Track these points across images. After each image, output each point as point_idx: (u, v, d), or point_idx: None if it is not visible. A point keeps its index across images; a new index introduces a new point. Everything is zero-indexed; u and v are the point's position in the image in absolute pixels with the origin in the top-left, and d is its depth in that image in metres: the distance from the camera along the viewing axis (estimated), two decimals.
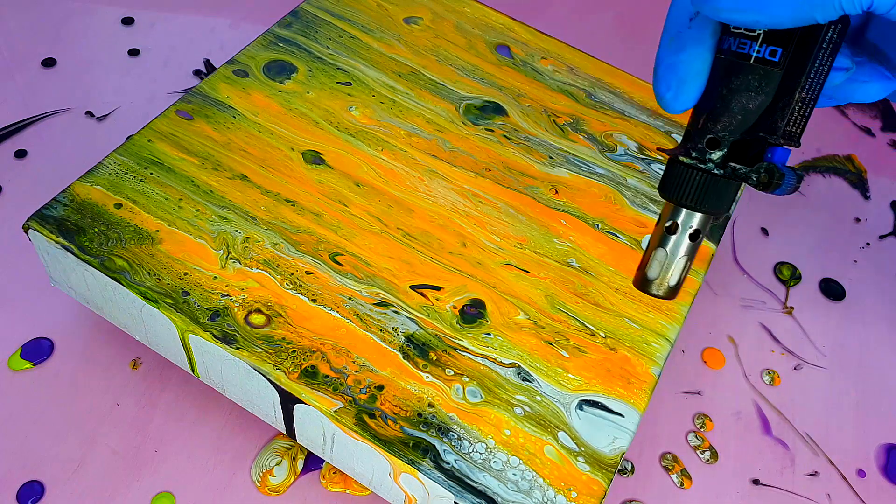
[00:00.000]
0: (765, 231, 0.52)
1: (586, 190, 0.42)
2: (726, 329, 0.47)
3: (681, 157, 0.29)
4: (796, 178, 0.30)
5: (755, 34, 0.28)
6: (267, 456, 0.40)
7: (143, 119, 0.51)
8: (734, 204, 0.31)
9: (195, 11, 0.60)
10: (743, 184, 0.30)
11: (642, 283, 0.32)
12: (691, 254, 0.31)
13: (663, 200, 0.36)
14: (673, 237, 0.31)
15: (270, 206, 0.39)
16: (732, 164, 0.29)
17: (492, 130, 0.44)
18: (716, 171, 0.29)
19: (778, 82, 0.28)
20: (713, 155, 0.29)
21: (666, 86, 0.29)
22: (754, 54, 0.28)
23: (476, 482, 0.32)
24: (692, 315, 0.47)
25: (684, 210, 0.30)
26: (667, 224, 0.31)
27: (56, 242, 0.36)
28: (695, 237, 0.31)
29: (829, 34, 0.27)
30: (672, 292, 0.32)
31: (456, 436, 0.33)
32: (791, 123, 0.28)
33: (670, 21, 0.30)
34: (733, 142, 0.29)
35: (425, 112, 0.44)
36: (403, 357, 0.35)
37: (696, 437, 0.43)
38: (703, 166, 0.29)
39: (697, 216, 0.30)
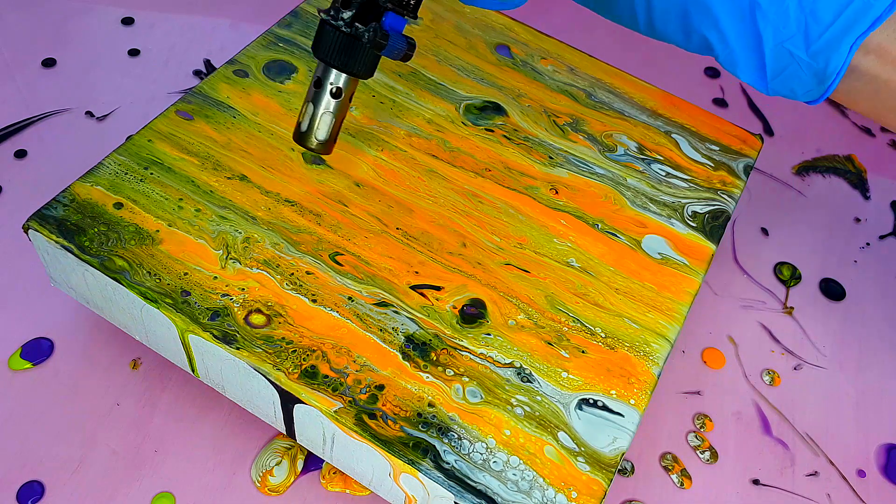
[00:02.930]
0: (765, 231, 0.52)
1: (586, 190, 0.42)
2: (726, 329, 0.47)
3: (321, 14, 0.34)
4: (406, 43, 0.35)
5: None
6: (267, 456, 0.40)
7: (143, 119, 0.51)
8: (372, 70, 0.36)
9: (195, 11, 0.60)
10: (381, 55, 0.35)
11: (297, 136, 0.36)
12: (337, 111, 0.36)
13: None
14: (319, 93, 0.35)
15: (270, 206, 0.39)
16: (356, 24, 0.33)
17: (492, 130, 0.44)
18: (344, 29, 0.33)
19: None
20: (344, 14, 0.33)
21: None
22: None
23: (476, 482, 0.32)
24: (692, 315, 0.47)
25: (329, 69, 0.35)
26: (314, 81, 0.36)
27: (56, 242, 0.36)
28: (337, 95, 0.35)
29: None
30: (323, 147, 0.36)
31: (456, 436, 0.33)
32: None
33: None
34: (361, 3, 0.33)
35: (425, 112, 0.44)
36: (403, 357, 0.35)
37: (696, 437, 0.43)
38: (334, 23, 0.34)
39: (339, 75, 0.35)
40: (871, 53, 0.36)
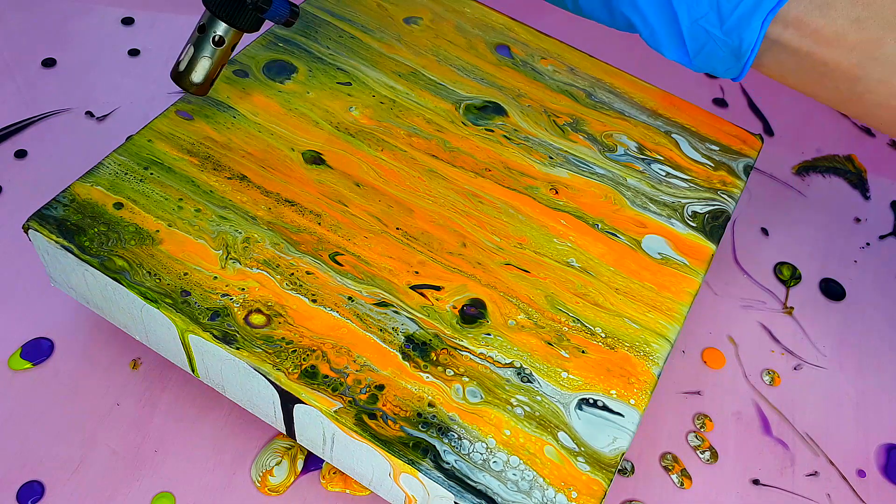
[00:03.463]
0: (765, 231, 0.52)
1: (586, 190, 0.42)
2: (726, 329, 0.47)
3: None
4: (290, 10, 0.38)
5: None
6: (267, 456, 0.40)
7: (143, 119, 0.51)
8: (251, 25, 0.38)
9: (195, 11, 0.60)
10: (264, 17, 0.38)
11: (174, 75, 0.38)
12: (216, 57, 0.38)
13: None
14: (202, 38, 0.38)
15: (270, 206, 0.39)
16: None
17: (492, 130, 0.44)
18: None
19: None
20: None
21: None
22: None
23: (476, 482, 0.32)
24: (692, 315, 0.47)
25: (215, 18, 0.37)
26: (198, 26, 0.38)
27: (56, 242, 0.36)
28: (219, 43, 0.38)
29: None
30: (199, 88, 0.39)
31: (456, 436, 0.33)
32: None
33: None
34: None
35: (425, 112, 0.44)
36: (403, 357, 0.35)
37: (696, 437, 0.43)
38: None
39: (220, 23, 0.37)
40: (790, 27, 0.36)
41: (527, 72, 0.47)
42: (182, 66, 0.38)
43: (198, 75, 0.38)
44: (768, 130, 0.58)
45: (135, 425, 0.40)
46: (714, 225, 0.42)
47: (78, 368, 0.42)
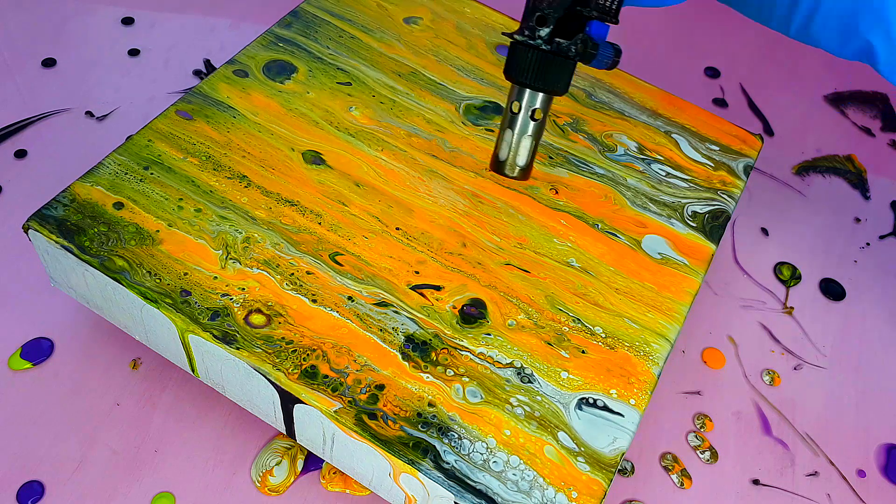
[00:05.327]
0: (765, 231, 0.52)
1: (586, 190, 0.42)
2: (726, 329, 0.47)
3: (515, 36, 0.32)
4: (613, 51, 0.34)
5: None
6: (267, 456, 0.40)
7: (143, 119, 0.52)
8: (568, 84, 0.34)
9: (195, 11, 0.60)
10: (576, 65, 0.33)
11: (495, 165, 0.35)
12: (536, 134, 0.34)
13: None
14: (517, 118, 0.34)
15: (271, 206, 0.39)
16: (557, 39, 0.32)
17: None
18: (544, 47, 0.32)
19: None
20: (542, 32, 0.32)
21: None
22: None
23: (476, 482, 0.32)
24: (692, 315, 0.47)
25: (525, 91, 0.33)
26: (510, 106, 0.34)
27: (56, 242, 0.36)
28: (537, 117, 0.34)
29: None
30: (523, 173, 0.35)
31: (456, 436, 0.33)
32: None
33: None
34: (558, 18, 0.32)
35: (425, 112, 0.44)
36: (403, 357, 0.35)
37: (696, 437, 0.43)
38: (532, 42, 0.32)
39: (538, 96, 0.33)
40: None
41: None
42: (504, 155, 0.34)
43: (522, 158, 0.34)
44: (768, 130, 0.58)
45: (135, 425, 0.40)
46: (714, 225, 0.42)
47: (78, 368, 0.42)
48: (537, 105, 0.33)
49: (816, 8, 0.36)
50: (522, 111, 0.33)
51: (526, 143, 0.34)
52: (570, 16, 0.32)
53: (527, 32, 0.32)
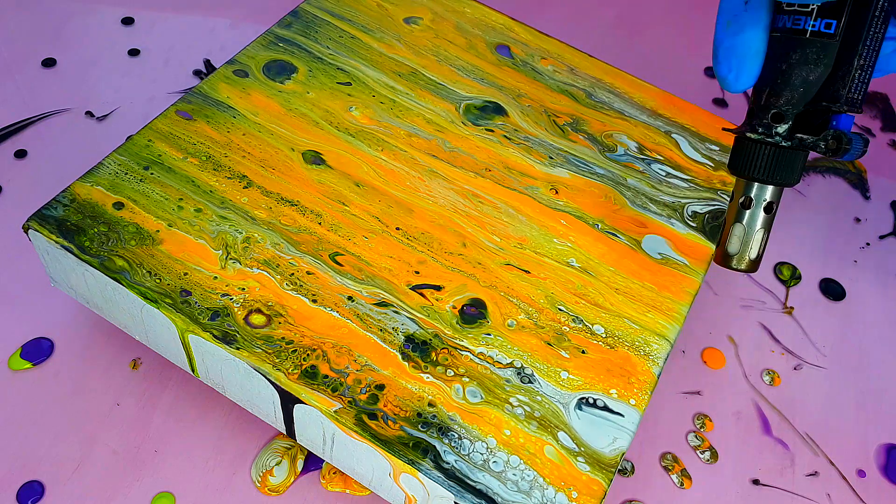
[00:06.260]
0: None
1: (586, 190, 0.42)
2: (726, 329, 0.47)
3: (748, 134, 0.31)
4: (863, 142, 0.31)
5: (808, 9, 0.29)
6: (267, 456, 0.40)
7: (143, 119, 0.52)
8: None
9: (195, 11, 0.60)
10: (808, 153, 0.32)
11: (724, 259, 0.33)
12: (767, 226, 0.32)
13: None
14: (748, 212, 0.32)
15: (271, 206, 0.39)
16: (799, 135, 0.30)
17: (492, 130, 0.44)
18: (783, 144, 0.30)
19: (835, 53, 0.29)
20: (779, 128, 0.30)
21: (727, 67, 0.30)
22: (810, 28, 0.29)
23: (476, 482, 0.32)
24: (692, 315, 0.47)
25: (756, 184, 0.32)
26: (741, 200, 0.32)
27: (56, 242, 0.36)
28: (769, 209, 0.32)
29: (881, 2, 0.28)
30: (754, 265, 0.33)
31: (456, 436, 0.33)
32: (852, 91, 0.29)
33: (725, 4, 0.31)
34: (797, 114, 0.30)
35: (425, 112, 0.44)
36: (403, 357, 0.35)
37: (696, 437, 0.43)
38: (770, 140, 0.30)
39: (769, 189, 0.32)
40: None
41: (527, 72, 0.47)
42: (735, 249, 0.33)
43: (754, 251, 0.33)
44: None
45: (135, 425, 0.40)
46: (714, 225, 0.42)
47: (78, 368, 0.42)
48: (769, 198, 0.32)
49: None
50: (754, 205, 0.32)
51: (758, 237, 0.33)
52: (810, 112, 0.30)
53: (761, 130, 0.31)
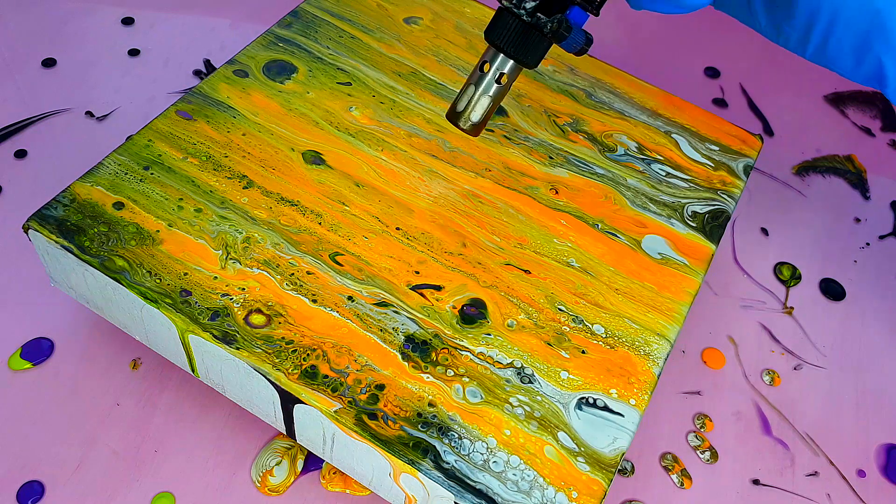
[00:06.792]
0: (765, 231, 0.52)
1: (586, 190, 0.42)
2: (726, 329, 0.47)
3: (503, 2, 0.34)
4: (585, 39, 0.35)
5: None
6: (267, 456, 0.40)
7: (143, 119, 0.52)
8: (538, 60, 0.35)
9: (195, 11, 0.60)
10: (550, 45, 0.35)
11: (451, 114, 0.37)
12: (496, 96, 0.36)
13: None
14: (484, 77, 0.35)
15: (271, 206, 0.39)
16: (539, 14, 0.33)
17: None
18: (525, 18, 0.33)
19: None
20: (526, 4, 0.33)
21: None
22: None
23: (476, 482, 0.32)
24: (692, 315, 0.47)
25: (497, 53, 0.35)
26: (480, 63, 0.35)
27: (56, 242, 0.36)
28: (500, 81, 0.35)
29: None
30: (474, 128, 0.36)
31: (456, 436, 0.33)
32: None
33: None
34: None
35: (425, 112, 0.44)
36: (403, 357, 0.35)
37: (696, 437, 0.43)
38: (516, 11, 0.33)
39: (508, 62, 0.35)
40: None
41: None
42: (461, 107, 0.36)
43: (476, 114, 0.36)
44: (768, 130, 0.58)
45: (135, 425, 0.40)
46: (714, 225, 0.42)
47: (78, 368, 0.42)
48: (505, 70, 0.35)
49: (831, 29, 0.37)
50: (491, 72, 0.35)
51: (484, 102, 0.36)
52: None
53: (514, 1, 0.34)
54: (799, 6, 0.37)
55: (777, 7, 0.38)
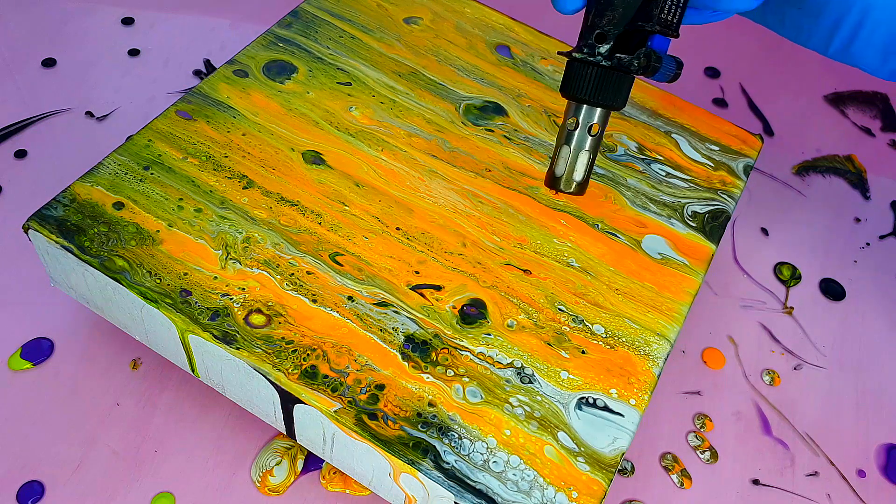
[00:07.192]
0: (765, 231, 0.52)
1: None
2: (726, 329, 0.47)
3: (573, 54, 0.33)
4: (675, 64, 0.34)
5: None
6: (267, 456, 0.40)
7: (143, 119, 0.52)
8: (627, 98, 0.34)
9: (195, 11, 0.60)
10: (634, 79, 0.34)
11: (551, 181, 0.35)
12: (593, 149, 0.34)
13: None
14: (575, 134, 0.34)
15: (271, 206, 0.39)
16: (618, 55, 0.32)
17: (492, 130, 0.44)
18: (604, 63, 0.32)
19: None
20: (601, 48, 0.32)
21: None
22: None
23: (476, 482, 0.32)
24: (692, 315, 0.47)
25: (583, 106, 0.34)
26: (568, 122, 0.34)
27: (56, 242, 0.36)
28: (594, 132, 0.34)
29: None
30: (580, 188, 0.35)
31: (456, 436, 0.33)
32: (665, 11, 0.32)
33: None
34: (618, 35, 0.32)
35: (425, 112, 0.44)
36: (403, 357, 0.35)
37: (696, 437, 0.43)
38: (592, 59, 0.32)
39: (595, 111, 0.33)
40: None
41: (527, 72, 0.47)
42: (561, 171, 0.34)
43: (579, 174, 0.34)
44: (768, 130, 0.58)
45: (135, 425, 0.40)
46: (714, 225, 0.42)
47: (78, 368, 0.42)
48: (595, 120, 0.34)
49: (860, 28, 0.37)
50: (580, 127, 0.34)
51: (583, 159, 0.34)
52: (630, 32, 0.32)
53: (585, 50, 0.32)
54: (829, 5, 0.37)
55: (805, 6, 0.38)
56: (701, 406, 0.44)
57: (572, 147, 0.34)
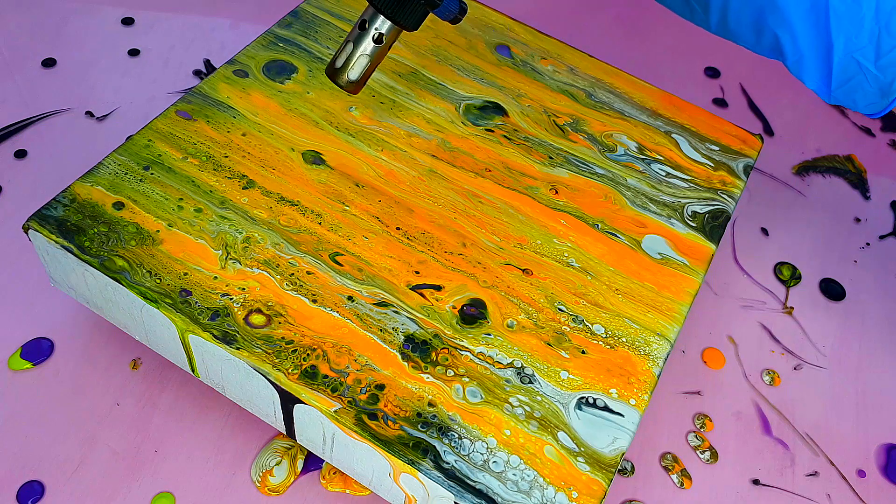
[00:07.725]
0: (765, 231, 0.52)
1: (586, 190, 0.42)
2: (726, 329, 0.47)
3: None
4: (459, 7, 0.37)
5: None
6: (267, 456, 0.40)
7: (143, 119, 0.51)
8: (419, 23, 0.37)
9: (195, 11, 0.60)
10: (428, 11, 0.37)
11: (330, 70, 0.37)
12: (374, 56, 0.37)
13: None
14: (362, 35, 0.37)
15: (271, 206, 0.39)
16: None
17: (492, 130, 0.44)
18: None
19: None
20: None
21: None
22: None
23: (476, 482, 0.32)
24: (692, 315, 0.47)
25: (375, 12, 0.36)
26: (359, 22, 0.37)
27: (56, 242, 0.36)
28: (379, 41, 0.37)
29: None
30: (354, 86, 0.37)
31: (456, 436, 0.33)
32: None
33: None
34: None
35: (425, 112, 0.44)
36: (403, 357, 0.35)
37: (696, 437, 0.43)
38: None
39: (385, 22, 0.36)
40: None
41: (527, 72, 0.47)
42: (339, 63, 0.37)
43: (354, 73, 0.37)
44: (768, 130, 0.58)
45: (135, 425, 0.40)
46: (714, 225, 0.42)
47: (78, 368, 0.42)
48: (383, 30, 0.36)
49: (727, 5, 0.38)
50: (368, 31, 0.36)
51: (362, 61, 0.37)
52: None
53: None
54: None
55: None
56: (701, 406, 0.44)
57: (357, 47, 0.37)
